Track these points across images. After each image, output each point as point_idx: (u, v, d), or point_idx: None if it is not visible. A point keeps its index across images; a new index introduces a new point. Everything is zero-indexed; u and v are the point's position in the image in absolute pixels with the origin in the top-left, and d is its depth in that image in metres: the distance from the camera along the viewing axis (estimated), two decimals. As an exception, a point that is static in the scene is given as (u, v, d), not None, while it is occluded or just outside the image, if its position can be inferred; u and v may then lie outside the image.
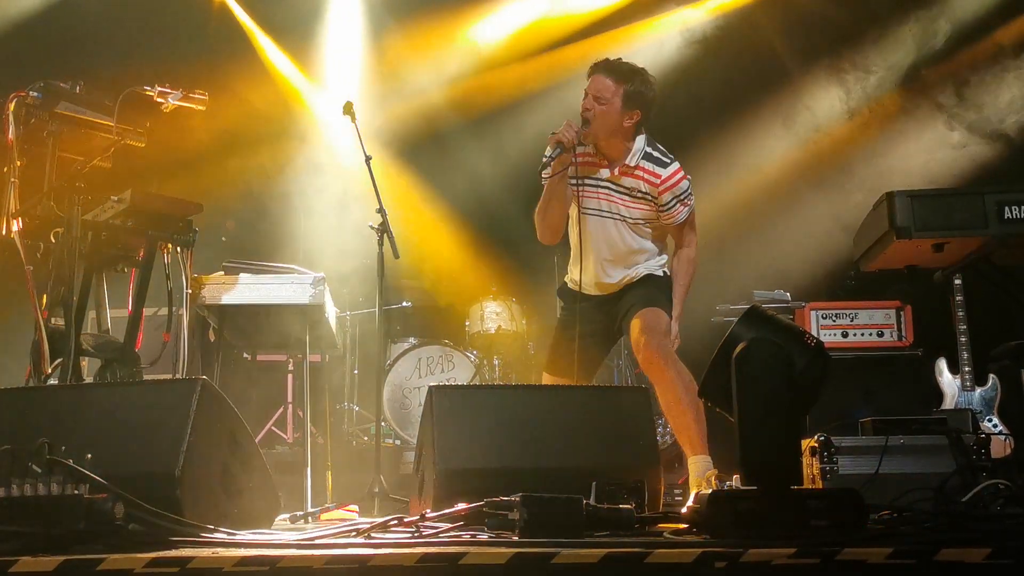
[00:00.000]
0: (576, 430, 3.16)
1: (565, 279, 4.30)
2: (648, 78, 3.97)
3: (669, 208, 3.99)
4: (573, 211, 4.07)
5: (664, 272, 4.12)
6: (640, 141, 3.99)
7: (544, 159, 3.88)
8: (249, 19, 7.58)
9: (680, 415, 3.80)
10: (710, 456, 3.77)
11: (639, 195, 3.98)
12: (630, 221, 4.03)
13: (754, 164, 6.98)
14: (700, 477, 3.70)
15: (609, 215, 4.03)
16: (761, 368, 2.43)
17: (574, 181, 4.00)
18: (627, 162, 3.97)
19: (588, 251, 4.05)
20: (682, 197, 3.99)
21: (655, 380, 3.88)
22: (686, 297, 4.08)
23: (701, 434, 3.78)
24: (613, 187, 4.01)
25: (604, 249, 4.05)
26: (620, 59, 4.01)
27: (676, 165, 3.99)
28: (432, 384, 3.97)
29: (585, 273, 4.05)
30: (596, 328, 4.13)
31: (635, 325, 3.92)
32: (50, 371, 3.62)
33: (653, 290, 4.03)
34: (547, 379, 4.22)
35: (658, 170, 3.96)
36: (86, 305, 3.94)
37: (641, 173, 3.97)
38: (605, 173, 4.01)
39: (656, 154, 3.99)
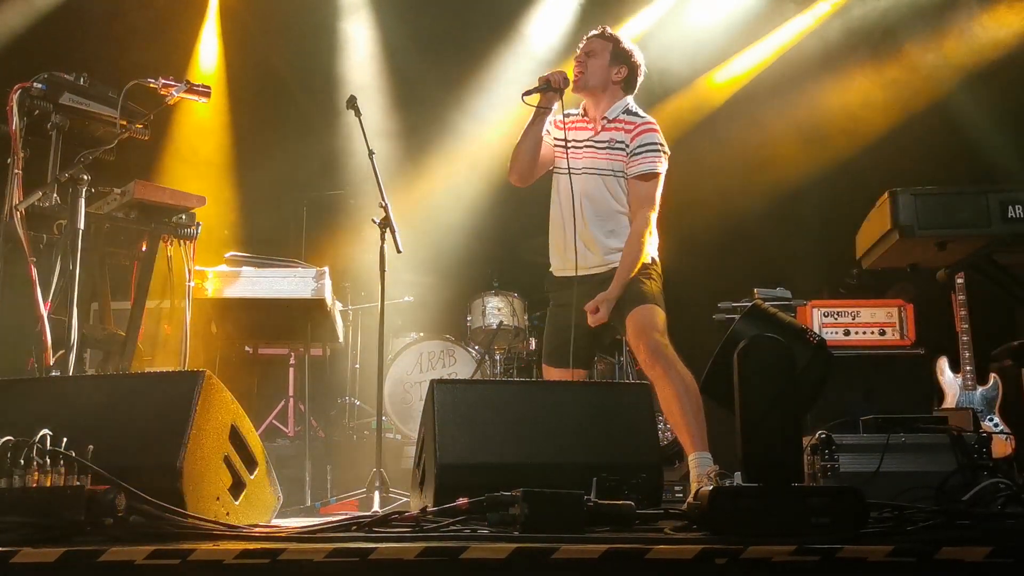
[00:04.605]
0: (577, 426, 3.16)
1: (550, 268, 4.29)
2: (632, 44, 4.20)
3: (636, 153, 4.02)
4: (555, 183, 4.16)
5: (652, 258, 4.09)
6: (625, 100, 4.16)
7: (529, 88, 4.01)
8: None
9: (678, 414, 3.79)
10: (710, 453, 3.76)
11: (616, 145, 4.07)
12: (608, 173, 4.06)
13: (755, 161, 6.97)
14: (701, 474, 3.69)
15: (590, 172, 4.08)
16: (763, 365, 2.43)
17: (561, 143, 4.12)
18: (607, 115, 4.11)
19: (570, 215, 4.03)
20: (651, 146, 4.02)
21: (653, 380, 3.87)
22: (626, 278, 3.94)
23: (700, 432, 3.77)
24: (595, 144, 4.11)
25: (587, 207, 4.05)
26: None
27: (653, 120, 4.10)
28: (434, 379, 3.98)
29: (567, 244, 4.05)
30: (583, 320, 4.03)
31: (629, 326, 3.93)
32: (52, 362, 3.62)
33: (642, 284, 3.99)
34: (547, 371, 4.21)
35: (634, 119, 4.10)
36: (88, 297, 3.94)
37: (619, 124, 4.10)
38: (588, 133, 4.13)
39: (636, 110, 4.15)
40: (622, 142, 4.06)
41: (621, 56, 4.15)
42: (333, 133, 7.29)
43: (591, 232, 4.07)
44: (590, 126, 4.15)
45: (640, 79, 4.20)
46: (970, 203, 3.44)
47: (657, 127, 4.09)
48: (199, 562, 2.01)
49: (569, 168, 4.05)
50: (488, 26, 7.53)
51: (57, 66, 4.03)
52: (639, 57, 4.19)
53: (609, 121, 4.10)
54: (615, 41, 4.17)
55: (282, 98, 7.70)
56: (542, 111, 4.04)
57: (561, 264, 4.19)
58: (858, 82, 6.90)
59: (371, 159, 4.59)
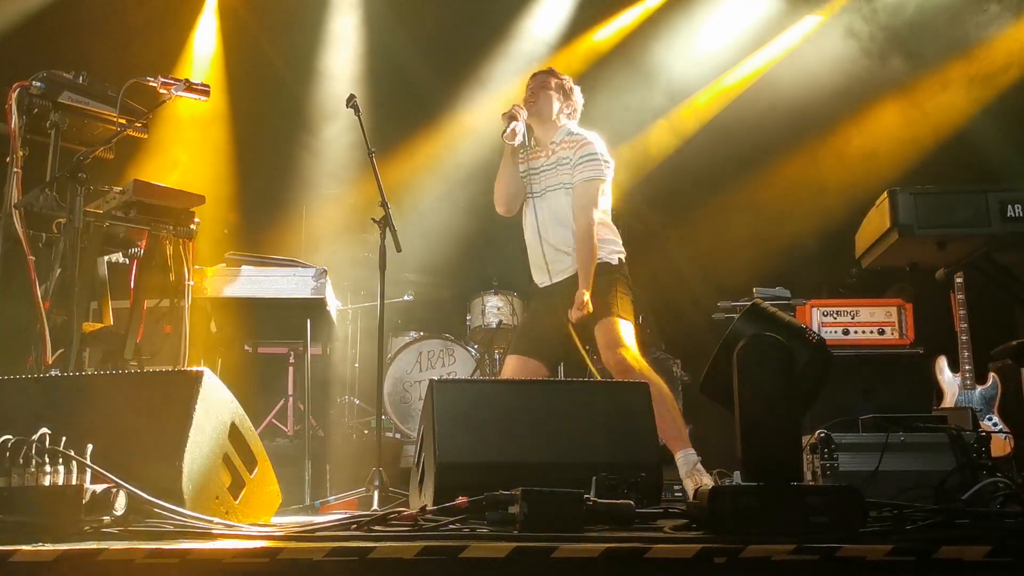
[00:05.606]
0: (577, 424, 3.17)
1: (532, 284, 4.63)
2: (571, 81, 4.70)
3: (577, 164, 4.40)
4: (525, 207, 4.58)
5: (619, 259, 4.43)
6: (568, 125, 4.58)
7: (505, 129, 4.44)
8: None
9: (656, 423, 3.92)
10: (693, 449, 4.00)
11: (563, 162, 4.46)
12: (559, 188, 4.44)
13: (754, 160, 6.97)
14: (689, 469, 3.90)
15: (551, 190, 4.47)
16: (762, 365, 2.43)
17: (523, 172, 4.58)
18: (554, 140, 4.54)
19: (540, 235, 4.46)
20: (589, 156, 4.39)
21: None
22: (588, 273, 4.26)
23: (679, 432, 4.05)
24: (548, 167, 4.51)
25: (551, 219, 4.44)
26: None
27: (595, 136, 4.49)
28: (433, 378, 3.98)
29: (540, 256, 4.46)
30: (560, 322, 4.32)
31: (597, 341, 4.25)
32: (51, 361, 3.62)
33: (607, 292, 4.28)
34: (510, 360, 4.44)
35: (578, 137, 4.50)
36: (88, 296, 3.94)
37: (565, 143, 4.50)
38: (542, 161, 4.54)
39: (577, 131, 4.55)
40: (567, 158, 4.45)
41: (563, 90, 4.60)
42: (332, 132, 7.28)
43: (556, 240, 4.43)
44: (543, 153, 4.56)
45: (580, 110, 4.65)
46: (969, 202, 3.44)
47: (595, 141, 4.46)
48: (198, 561, 2.01)
49: (533, 193, 4.55)
50: (487, 22, 7.52)
51: (56, 64, 4.03)
52: (578, 93, 4.67)
53: (557, 144, 4.52)
54: (557, 77, 4.63)
55: (282, 96, 7.70)
56: (510, 146, 4.49)
57: (540, 276, 4.53)
58: (859, 81, 6.89)
59: (371, 158, 4.58)
